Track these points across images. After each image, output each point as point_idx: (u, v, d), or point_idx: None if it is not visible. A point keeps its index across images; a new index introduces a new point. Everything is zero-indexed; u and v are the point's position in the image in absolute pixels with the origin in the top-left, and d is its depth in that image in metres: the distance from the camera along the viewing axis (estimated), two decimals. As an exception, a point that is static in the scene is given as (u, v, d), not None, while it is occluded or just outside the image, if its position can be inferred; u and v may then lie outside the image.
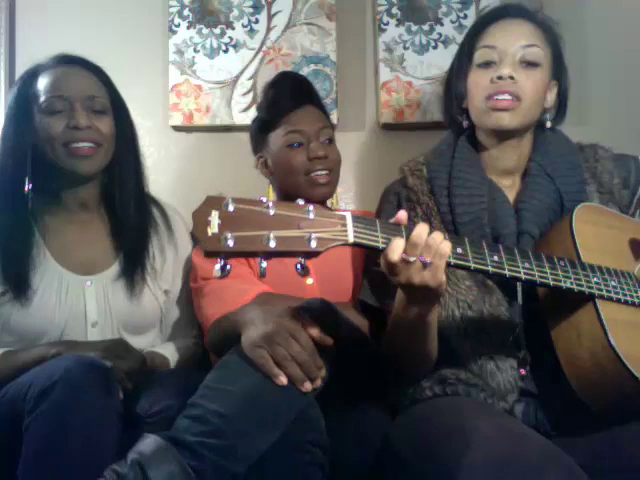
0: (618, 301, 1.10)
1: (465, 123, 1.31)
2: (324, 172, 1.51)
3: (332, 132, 1.60)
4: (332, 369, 1.15)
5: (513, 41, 1.23)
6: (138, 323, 1.47)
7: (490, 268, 1.01)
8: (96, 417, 1.09)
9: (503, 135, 1.25)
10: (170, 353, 1.49)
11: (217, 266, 0.88)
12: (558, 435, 1.13)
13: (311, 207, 0.91)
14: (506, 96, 1.20)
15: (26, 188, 1.38)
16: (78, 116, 1.37)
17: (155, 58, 2.02)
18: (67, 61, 1.44)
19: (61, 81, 1.40)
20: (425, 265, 0.97)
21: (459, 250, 1.00)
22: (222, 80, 1.99)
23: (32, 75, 1.42)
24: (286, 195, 1.57)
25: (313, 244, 0.88)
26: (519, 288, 1.20)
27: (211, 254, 0.86)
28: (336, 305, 1.22)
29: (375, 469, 1.18)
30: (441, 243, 0.97)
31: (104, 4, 2.03)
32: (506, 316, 1.19)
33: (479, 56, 1.26)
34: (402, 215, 0.99)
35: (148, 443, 1.00)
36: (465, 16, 1.97)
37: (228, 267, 0.88)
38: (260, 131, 1.61)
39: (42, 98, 1.38)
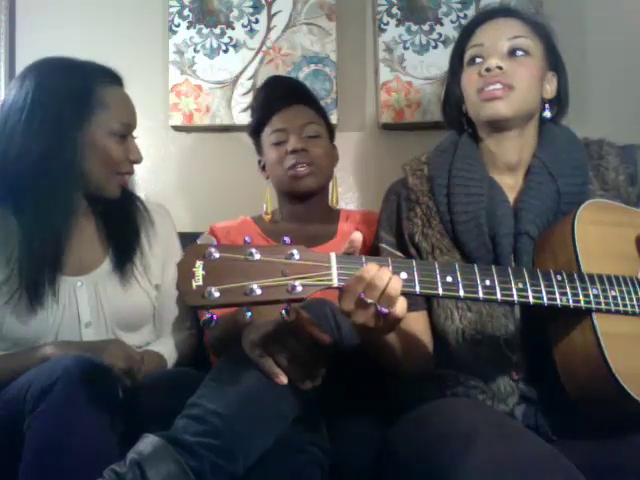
0: (617, 312, 1.07)
1: (466, 126, 1.31)
2: (303, 166, 1.52)
3: (321, 129, 1.60)
4: (331, 368, 1.15)
5: (499, 36, 1.24)
6: (131, 320, 1.46)
7: (481, 295, 1.00)
8: (96, 416, 1.09)
9: (501, 126, 1.23)
10: (167, 351, 1.48)
11: (202, 320, 0.89)
12: (559, 438, 1.12)
13: (295, 250, 0.90)
14: (497, 85, 1.20)
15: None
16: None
17: (155, 58, 2.02)
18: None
19: (126, 105, 1.43)
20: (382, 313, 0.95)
21: (448, 279, 0.98)
22: (222, 80, 1.99)
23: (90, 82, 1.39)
24: (281, 194, 1.63)
25: (297, 291, 0.88)
26: None
27: (195, 307, 0.85)
28: (335, 303, 1.21)
29: (375, 469, 1.17)
30: (389, 285, 0.94)
31: (104, 4, 2.03)
32: (505, 317, 1.18)
33: (468, 55, 1.27)
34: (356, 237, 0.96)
35: (147, 443, 1.00)
36: (465, 16, 1.97)
37: (214, 320, 0.88)
38: (252, 135, 1.66)
39: (119, 121, 1.40)
